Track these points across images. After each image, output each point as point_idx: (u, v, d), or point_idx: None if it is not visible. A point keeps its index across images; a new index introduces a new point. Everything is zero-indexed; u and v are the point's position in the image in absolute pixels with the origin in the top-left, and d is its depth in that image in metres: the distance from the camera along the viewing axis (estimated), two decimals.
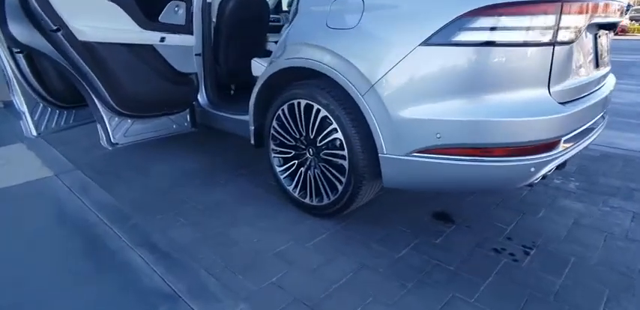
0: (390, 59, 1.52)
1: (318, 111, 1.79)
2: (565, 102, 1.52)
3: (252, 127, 2.17)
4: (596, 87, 1.81)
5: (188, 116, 2.52)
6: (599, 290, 1.50)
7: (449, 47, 1.44)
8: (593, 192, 2.30)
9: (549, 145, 1.49)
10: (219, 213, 2.06)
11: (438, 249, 1.75)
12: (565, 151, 1.55)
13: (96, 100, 2.03)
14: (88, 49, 1.87)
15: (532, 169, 1.47)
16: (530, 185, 1.57)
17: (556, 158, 1.51)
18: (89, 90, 1.99)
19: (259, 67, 2.22)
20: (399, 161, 1.58)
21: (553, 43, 1.42)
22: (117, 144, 2.19)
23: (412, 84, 1.50)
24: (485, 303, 1.43)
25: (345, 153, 1.73)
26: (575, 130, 1.60)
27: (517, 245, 1.78)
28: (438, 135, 1.48)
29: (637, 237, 1.84)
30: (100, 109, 2.06)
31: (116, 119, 2.15)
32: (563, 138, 1.53)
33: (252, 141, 2.20)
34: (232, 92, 2.98)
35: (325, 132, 1.80)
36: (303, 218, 2.00)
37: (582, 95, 1.66)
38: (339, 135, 1.74)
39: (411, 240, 1.81)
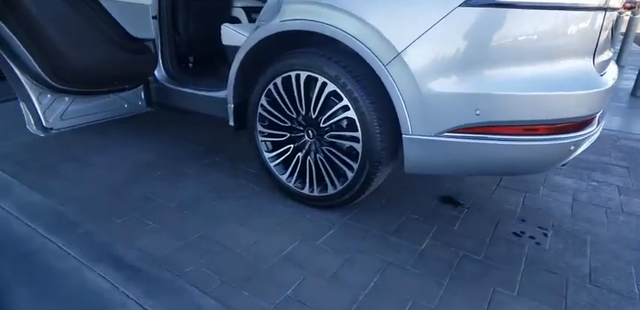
0: (421, 22, 1.28)
1: (324, 85, 1.49)
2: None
3: (232, 105, 1.79)
4: (604, 70, 1.70)
5: (142, 93, 2.03)
6: (625, 270, 1.45)
7: (494, 9, 1.24)
8: (576, 167, 2.31)
9: (589, 121, 1.39)
10: (197, 211, 1.70)
11: (459, 237, 1.59)
12: (597, 129, 1.46)
13: (17, 71, 1.50)
14: None
15: (572, 147, 1.36)
16: (565, 164, 1.46)
17: (590, 135, 1.42)
18: (7, 58, 1.47)
19: (232, 34, 1.83)
20: (428, 142, 1.37)
21: (605, 8, 1.28)
22: (51, 128, 1.68)
23: (448, 52, 1.29)
24: (529, 296, 1.30)
25: (359, 134, 1.47)
26: (605, 107, 1.50)
27: (534, 228, 1.69)
28: (478, 112, 1.29)
29: (632, 210, 1.85)
30: (25, 83, 1.54)
31: (48, 96, 1.63)
32: (597, 115, 1.43)
33: (232, 123, 1.83)
34: (191, 64, 2.50)
35: (332, 110, 1.51)
36: (301, 211, 1.72)
37: (604, 72, 1.56)
38: (350, 113, 1.46)
39: (429, 229, 1.63)
